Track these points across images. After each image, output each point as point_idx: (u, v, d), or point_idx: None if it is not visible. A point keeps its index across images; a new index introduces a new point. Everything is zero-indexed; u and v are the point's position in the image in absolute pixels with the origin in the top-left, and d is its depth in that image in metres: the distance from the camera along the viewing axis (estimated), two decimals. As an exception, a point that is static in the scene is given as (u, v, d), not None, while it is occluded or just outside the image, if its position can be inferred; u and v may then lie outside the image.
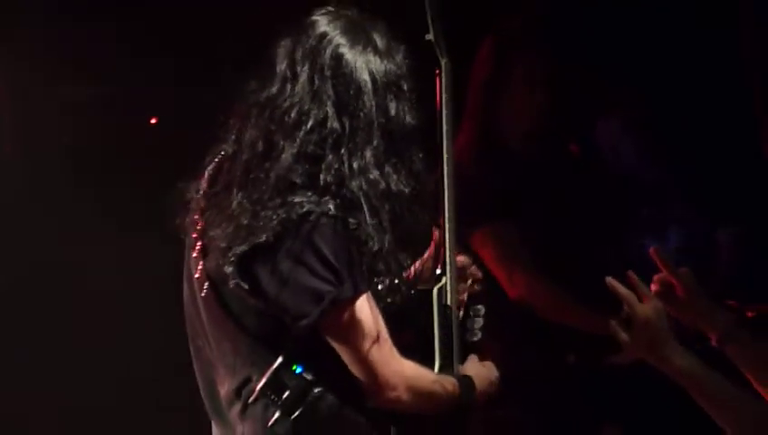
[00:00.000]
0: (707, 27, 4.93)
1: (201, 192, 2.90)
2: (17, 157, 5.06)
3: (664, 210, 4.83)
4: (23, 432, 5.00)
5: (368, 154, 2.77)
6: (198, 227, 2.87)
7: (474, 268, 3.08)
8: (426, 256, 3.00)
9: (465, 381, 2.92)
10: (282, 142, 2.76)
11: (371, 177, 2.76)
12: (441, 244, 2.94)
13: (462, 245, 4.18)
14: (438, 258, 2.96)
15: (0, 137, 5.07)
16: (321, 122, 2.76)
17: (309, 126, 2.76)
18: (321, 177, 2.73)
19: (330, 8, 2.88)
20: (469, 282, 3.07)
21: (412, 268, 2.98)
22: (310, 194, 2.73)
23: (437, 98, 2.94)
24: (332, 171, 2.74)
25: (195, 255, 2.88)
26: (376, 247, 2.75)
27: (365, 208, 2.75)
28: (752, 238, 4.81)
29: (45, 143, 5.09)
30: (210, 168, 2.93)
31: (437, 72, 2.96)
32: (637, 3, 5.00)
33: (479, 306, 3.05)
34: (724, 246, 4.81)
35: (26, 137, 5.09)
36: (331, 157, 2.75)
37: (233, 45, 4.83)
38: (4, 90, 5.02)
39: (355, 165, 2.76)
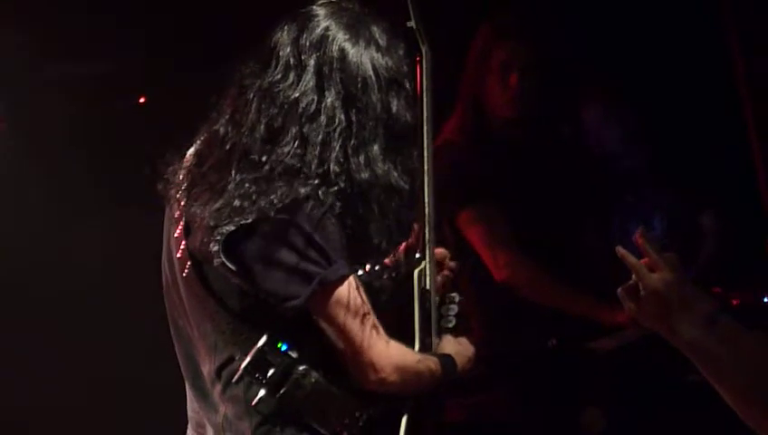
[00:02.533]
0: (689, 13, 4.95)
1: (185, 170, 2.90)
2: (9, 135, 5.06)
3: (648, 196, 4.85)
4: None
5: (374, 148, 2.80)
6: (181, 206, 2.87)
7: (449, 259, 3.09)
8: (407, 242, 3.01)
9: (447, 360, 2.94)
10: (285, 128, 2.77)
11: (378, 171, 2.79)
12: (421, 229, 2.96)
13: (448, 224, 4.27)
14: (418, 243, 2.97)
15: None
16: (329, 114, 2.78)
17: (316, 116, 2.78)
18: (328, 166, 2.75)
19: (330, 0, 2.90)
20: (445, 272, 3.08)
21: (394, 253, 2.99)
22: (312, 181, 2.74)
23: (417, 84, 2.95)
24: (340, 162, 2.76)
25: (176, 234, 2.88)
26: (368, 237, 2.79)
27: (366, 200, 2.78)
28: (735, 223, 4.84)
29: (37, 120, 5.08)
30: (196, 146, 2.93)
31: (418, 58, 2.97)
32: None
33: (454, 294, 3.06)
34: (709, 231, 4.83)
35: (18, 114, 5.09)
36: (338, 148, 2.77)
37: (226, 26, 4.82)
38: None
39: (362, 158, 2.78)
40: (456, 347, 3.00)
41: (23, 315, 4.98)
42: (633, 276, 2.78)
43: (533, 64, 4.46)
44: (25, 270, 4.98)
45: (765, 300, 3.97)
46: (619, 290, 2.80)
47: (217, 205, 2.76)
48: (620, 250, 2.78)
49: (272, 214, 2.71)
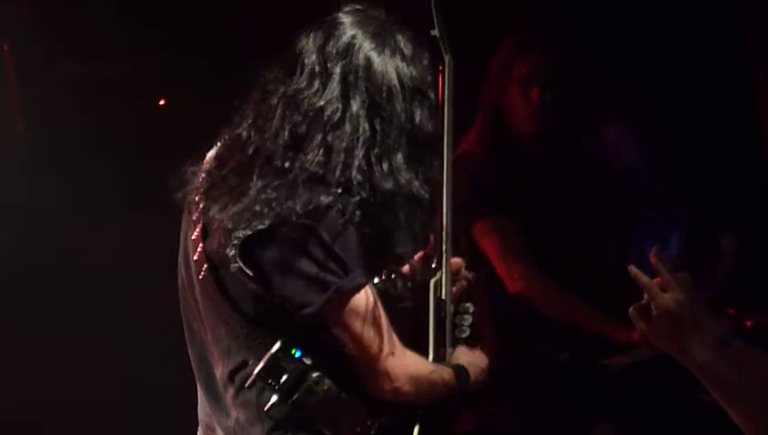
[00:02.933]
0: (710, 29, 4.95)
1: (205, 172, 2.90)
2: (27, 134, 5.07)
3: (666, 215, 4.84)
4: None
5: (398, 157, 2.80)
6: (200, 208, 2.87)
7: (464, 269, 3.09)
8: (424, 251, 3.01)
9: (460, 371, 2.93)
10: (310, 136, 2.77)
11: (401, 180, 2.79)
12: (438, 239, 2.96)
13: (464, 235, 4.27)
14: (435, 253, 2.97)
15: (9, 113, 5.08)
16: (354, 122, 2.78)
17: (340, 124, 2.78)
18: (351, 174, 2.75)
19: (358, 7, 2.90)
20: (461, 282, 3.08)
21: (411, 263, 2.99)
22: (334, 189, 2.74)
23: (439, 94, 2.95)
24: (363, 171, 2.76)
25: (194, 236, 2.88)
26: (387, 247, 2.79)
27: (388, 209, 2.78)
28: (754, 244, 4.82)
29: (54, 120, 5.09)
30: (217, 149, 2.94)
31: (441, 67, 2.97)
32: (642, 7, 5.02)
33: (468, 304, 3.06)
34: (726, 252, 4.82)
35: (36, 114, 5.10)
36: (362, 156, 2.77)
37: (249, 31, 4.83)
38: (16, 65, 5.02)
39: (385, 167, 2.78)
40: (470, 358, 2.99)
41: (35, 317, 4.99)
42: (645, 296, 2.78)
43: (555, 79, 4.46)
44: (39, 270, 4.99)
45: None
46: (631, 309, 2.79)
47: (237, 209, 2.76)
48: (633, 269, 2.77)
49: (291, 220, 2.71)
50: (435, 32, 2.96)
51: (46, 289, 4.98)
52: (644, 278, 2.76)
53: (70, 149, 5.02)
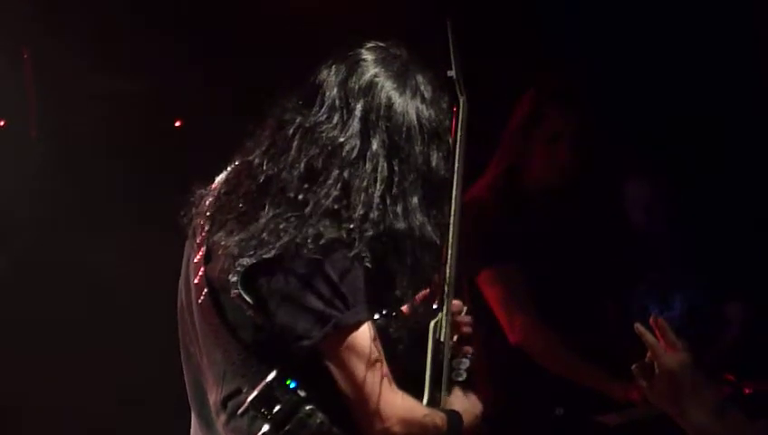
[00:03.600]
0: (740, 92, 4.96)
1: (213, 197, 2.90)
2: (41, 141, 5.08)
3: (672, 278, 4.84)
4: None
5: (414, 200, 2.80)
6: (204, 232, 2.87)
7: (465, 312, 3.07)
8: (424, 292, 2.99)
9: (453, 417, 2.91)
10: (326, 170, 2.76)
11: (415, 223, 2.79)
12: (441, 280, 2.94)
13: (467, 281, 4.26)
14: (436, 295, 2.95)
15: (26, 120, 5.10)
16: (372, 161, 2.77)
17: (358, 161, 2.77)
18: (366, 213, 2.74)
19: (379, 44, 2.89)
20: (462, 328, 3.06)
21: (412, 303, 2.97)
22: (346, 225, 2.73)
23: (452, 135, 2.94)
24: (378, 209, 2.75)
25: (196, 260, 2.87)
26: (391, 288, 2.78)
27: (397, 251, 2.77)
28: (757, 314, 4.82)
29: (68, 131, 5.11)
30: (227, 173, 2.93)
31: (455, 109, 2.96)
32: (659, 66, 5.04)
33: (467, 348, 3.04)
34: (731, 319, 4.81)
35: (51, 122, 5.11)
36: (378, 196, 2.76)
37: (270, 57, 4.85)
38: (37, 73, 5.05)
39: (399, 208, 2.77)
40: (465, 404, 2.97)
41: (35, 325, 4.99)
42: (648, 355, 2.78)
43: (583, 136, 4.46)
44: (42, 279, 4.99)
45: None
46: (634, 366, 2.80)
47: (243, 235, 2.75)
48: (639, 327, 2.78)
49: (298, 252, 2.70)
50: (451, 73, 2.95)
51: (48, 300, 4.99)
52: (649, 337, 2.78)
53: (82, 160, 5.04)
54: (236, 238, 2.76)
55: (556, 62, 5.02)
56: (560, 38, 5.08)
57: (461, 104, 2.97)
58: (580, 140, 4.48)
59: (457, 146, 2.94)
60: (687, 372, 2.75)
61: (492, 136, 4.50)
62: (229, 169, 2.94)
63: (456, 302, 3.01)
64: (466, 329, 3.05)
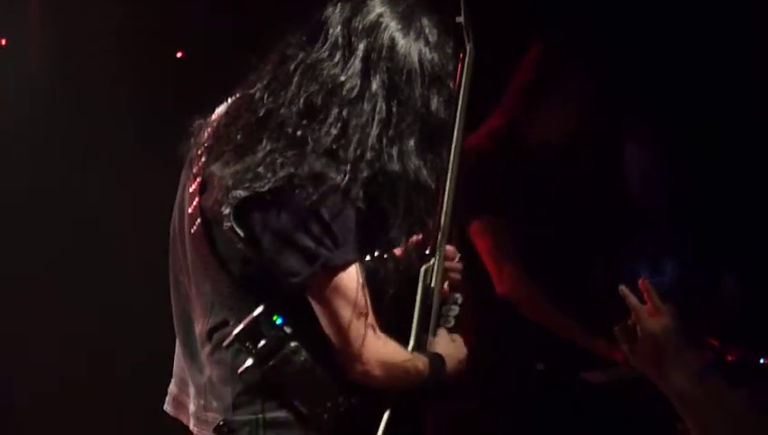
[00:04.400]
0: (740, 75, 4.96)
1: (211, 128, 2.89)
2: (40, 72, 5.07)
3: (665, 243, 4.85)
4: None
5: (410, 142, 2.79)
6: (201, 162, 2.86)
7: (457, 259, 3.07)
8: (417, 236, 2.99)
9: (436, 361, 2.92)
10: (326, 107, 2.76)
11: (410, 166, 2.78)
12: (436, 226, 2.94)
13: (457, 228, 4.26)
14: (429, 240, 2.95)
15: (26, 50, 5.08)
16: (371, 101, 2.76)
17: (357, 101, 2.76)
18: (362, 153, 2.73)
19: None
20: (452, 274, 3.05)
21: (404, 246, 2.97)
22: (342, 165, 2.72)
23: (456, 81, 2.93)
24: (374, 150, 2.75)
25: (192, 190, 2.87)
26: (383, 230, 2.78)
27: (391, 193, 2.77)
28: (751, 284, 4.83)
29: (70, 67, 5.09)
30: (227, 105, 2.92)
31: (462, 55, 2.95)
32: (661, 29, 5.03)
33: (457, 295, 3.04)
34: (723, 288, 4.82)
35: (51, 51, 5.09)
36: (374, 136, 2.75)
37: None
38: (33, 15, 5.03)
39: (395, 150, 2.77)
40: (449, 348, 2.98)
41: (29, 258, 4.98)
42: (632, 317, 2.79)
43: (594, 96, 4.46)
44: (38, 206, 4.99)
45: (762, 361, 3.95)
46: (616, 329, 2.82)
47: (239, 167, 2.74)
48: (623, 289, 2.80)
49: (292, 187, 2.70)
50: (460, 19, 2.93)
51: (44, 226, 4.99)
52: (633, 300, 2.79)
53: (82, 88, 5.02)
54: (232, 170, 2.75)
55: (566, 20, 4.99)
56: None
57: (468, 51, 2.95)
58: (591, 100, 4.46)
59: (461, 93, 2.93)
60: (670, 337, 2.76)
61: (495, 85, 4.47)
62: (230, 100, 2.93)
63: (449, 247, 3.01)
64: (455, 275, 3.05)
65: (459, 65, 2.94)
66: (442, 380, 2.93)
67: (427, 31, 2.84)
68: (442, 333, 2.99)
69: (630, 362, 2.83)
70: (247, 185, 2.72)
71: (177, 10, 5.03)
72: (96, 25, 5.08)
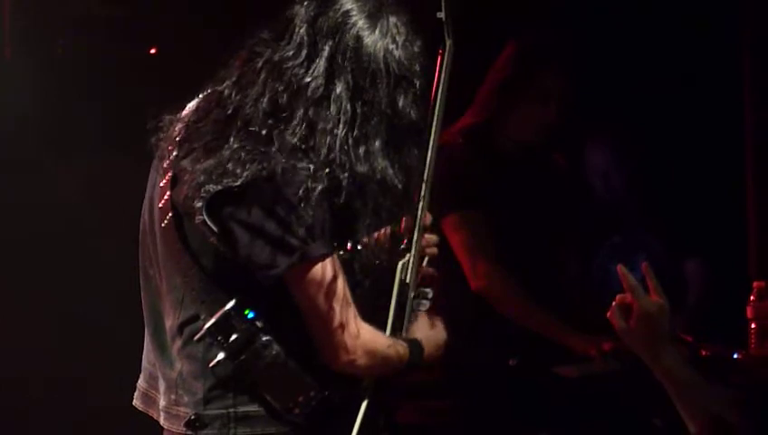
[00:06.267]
0: (712, 71, 4.99)
1: (182, 123, 2.87)
2: (16, 62, 5.04)
3: (635, 239, 4.86)
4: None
5: (376, 143, 2.78)
6: (172, 157, 2.85)
7: (433, 248, 3.07)
8: (387, 230, 2.98)
9: (415, 346, 2.92)
10: (291, 107, 2.75)
11: (376, 166, 2.77)
12: (412, 222, 2.94)
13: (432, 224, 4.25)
14: (405, 233, 2.94)
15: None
16: (336, 102, 2.75)
17: (322, 102, 2.76)
18: (327, 153, 2.73)
19: None
20: (425, 262, 3.05)
21: (379, 238, 2.97)
22: (308, 163, 2.72)
23: (435, 77, 2.93)
24: (341, 151, 2.74)
25: (162, 184, 2.86)
26: (353, 228, 2.78)
27: (359, 193, 2.76)
28: (719, 276, 4.85)
29: (44, 55, 5.07)
30: (198, 101, 2.91)
31: (440, 51, 2.95)
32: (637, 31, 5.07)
33: (428, 289, 3.03)
34: (692, 280, 4.84)
35: (26, 46, 5.07)
36: (340, 137, 2.74)
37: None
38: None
39: (361, 151, 2.76)
40: (427, 331, 2.98)
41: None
42: (617, 299, 2.82)
43: (571, 95, 4.48)
44: (8, 201, 4.97)
45: (735, 356, 3.97)
46: (613, 305, 2.84)
47: (209, 163, 2.73)
48: (621, 268, 2.84)
49: (264, 181, 2.69)
50: (441, 14, 2.93)
51: (13, 221, 4.96)
52: (631, 279, 2.84)
53: (54, 83, 5.00)
54: (203, 166, 2.74)
55: (543, 21, 5.02)
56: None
57: (447, 47, 2.95)
58: (568, 101, 4.47)
59: (440, 89, 2.93)
60: (666, 317, 2.80)
61: (470, 82, 4.48)
62: (200, 96, 2.92)
63: (431, 236, 3.01)
64: (432, 250, 3.04)
65: (439, 60, 2.93)
66: (421, 363, 2.93)
67: (394, 30, 2.83)
68: (421, 317, 2.99)
69: (623, 339, 2.87)
70: (218, 180, 2.71)
71: (150, 5, 5.03)
72: (68, 20, 5.06)
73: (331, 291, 2.74)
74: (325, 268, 2.74)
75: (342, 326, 2.76)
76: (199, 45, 4.17)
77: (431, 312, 3.02)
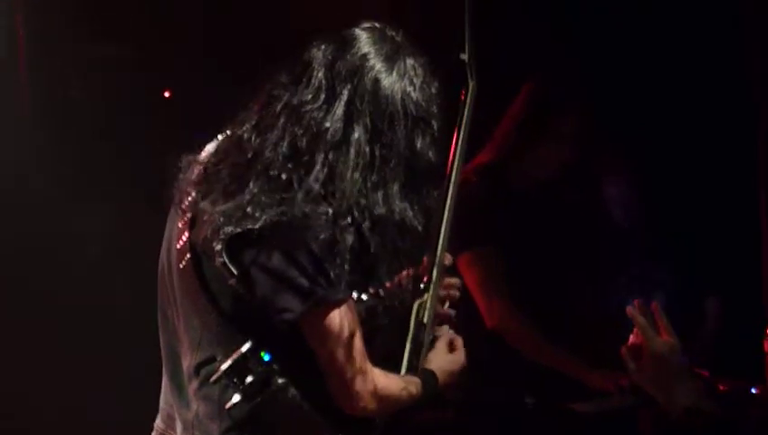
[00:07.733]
0: (725, 103, 4.99)
1: (201, 165, 2.89)
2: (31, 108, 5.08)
3: (650, 274, 4.86)
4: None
5: (395, 186, 2.79)
6: (190, 199, 2.86)
7: (455, 290, 3.08)
8: (407, 272, 2.99)
9: (428, 379, 2.93)
10: (310, 151, 2.76)
11: (395, 208, 2.78)
12: (430, 263, 2.94)
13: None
14: (424, 275, 2.95)
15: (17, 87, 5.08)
16: (355, 146, 2.76)
17: (341, 146, 2.76)
18: (348, 196, 2.74)
19: (375, 25, 2.88)
20: (446, 305, 3.06)
21: (399, 280, 2.96)
22: (327, 207, 2.73)
23: (458, 118, 2.94)
24: (359, 194, 2.75)
25: (181, 225, 2.87)
26: (373, 271, 2.78)
27: (378, 236, 2.76)
28: (736, 311, 4.84)
29: (58, 98, 5.10)
30: (217, 143, 2.92)
31: (463, 92, 2.96)
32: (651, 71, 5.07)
33: (444, 327, 3.05)
34: (710, 315, 4.83)
35: (42, 91, 5.10)
36: (359, 181, 2.75)
37: (269, 30, 4.85)
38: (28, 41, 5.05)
39: (380, 194, 2.77)
40: (443, 360, 2.99)
41: (18, 297, 4.97)
42: (631, 339, 2.81)
43: (587, 135, 4.50)
44: (25, 249, 4.99)
45: (753, 391, 3.95)
46: (623, 348, 2.83)
47: (229, 206, 2.74)
48: (631, 310, 2.83)
49: (282, 226, 2.70)
50: (464, 56, 2.94)
51: (33, 270, 4.98)
52: (641, 320, 2.82)
53: (71, 126, 5.03)
54: (222, 208, 2.75)
55: (557, 61, 5.03)
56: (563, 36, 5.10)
57: (470, 88, 2.96)
58: (584, 141, 4.49)
59: (462, 129, 2.94)
60: (676, 357, 2.79)
61: (485, 123, 4.49)
62: (219, 138, 2.93)
63: (453, 280, 3.03)
64: (455, 293, 3.06)
65: (461, 101, 2.94)
66: (435, 394, 2.94)
67: (411, 72, 2.84)
68: (440, 346, 3.01)
69: (636, 381, 2.86)
70: (238, 223, 2.72)
71: (165, 48, 5.05)
72: (84, 63, 5.10)
73: (345, 337, 2.74)
74: (341, 314, 2.74)
75: (356, 374, 2.76)
76: (216, 88, 4.19)
77: (453, 328, 3.03)
